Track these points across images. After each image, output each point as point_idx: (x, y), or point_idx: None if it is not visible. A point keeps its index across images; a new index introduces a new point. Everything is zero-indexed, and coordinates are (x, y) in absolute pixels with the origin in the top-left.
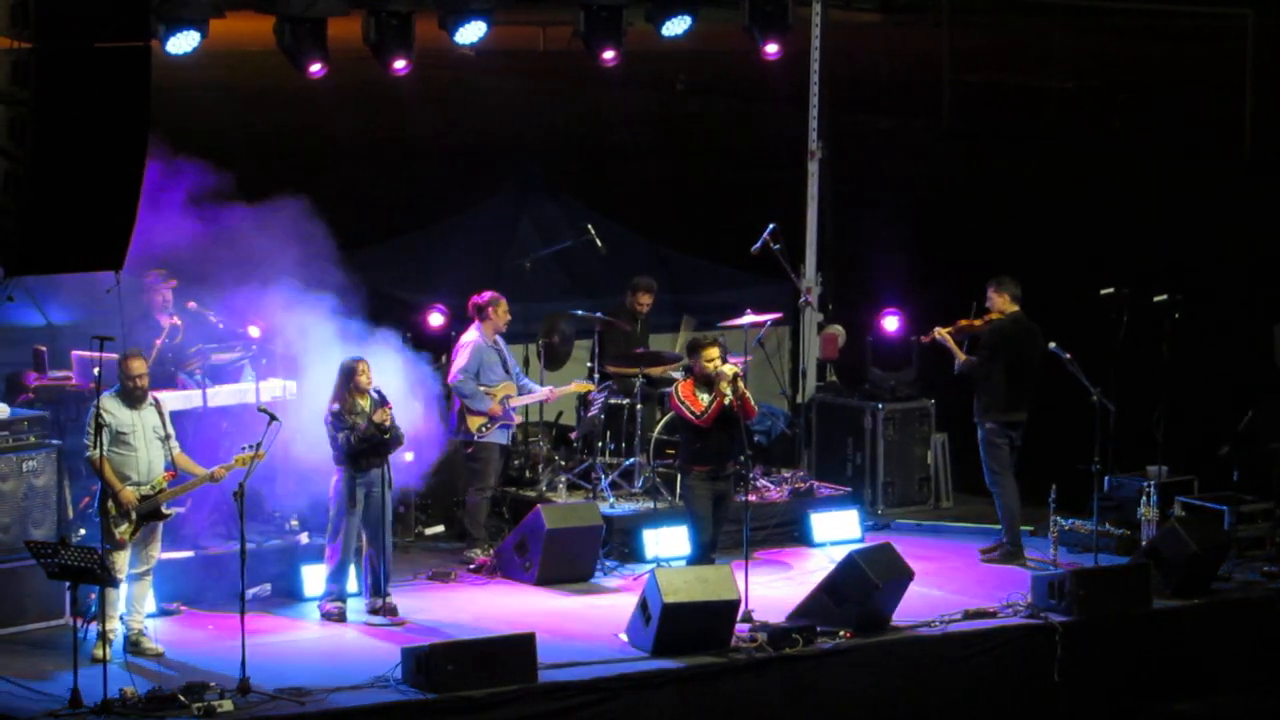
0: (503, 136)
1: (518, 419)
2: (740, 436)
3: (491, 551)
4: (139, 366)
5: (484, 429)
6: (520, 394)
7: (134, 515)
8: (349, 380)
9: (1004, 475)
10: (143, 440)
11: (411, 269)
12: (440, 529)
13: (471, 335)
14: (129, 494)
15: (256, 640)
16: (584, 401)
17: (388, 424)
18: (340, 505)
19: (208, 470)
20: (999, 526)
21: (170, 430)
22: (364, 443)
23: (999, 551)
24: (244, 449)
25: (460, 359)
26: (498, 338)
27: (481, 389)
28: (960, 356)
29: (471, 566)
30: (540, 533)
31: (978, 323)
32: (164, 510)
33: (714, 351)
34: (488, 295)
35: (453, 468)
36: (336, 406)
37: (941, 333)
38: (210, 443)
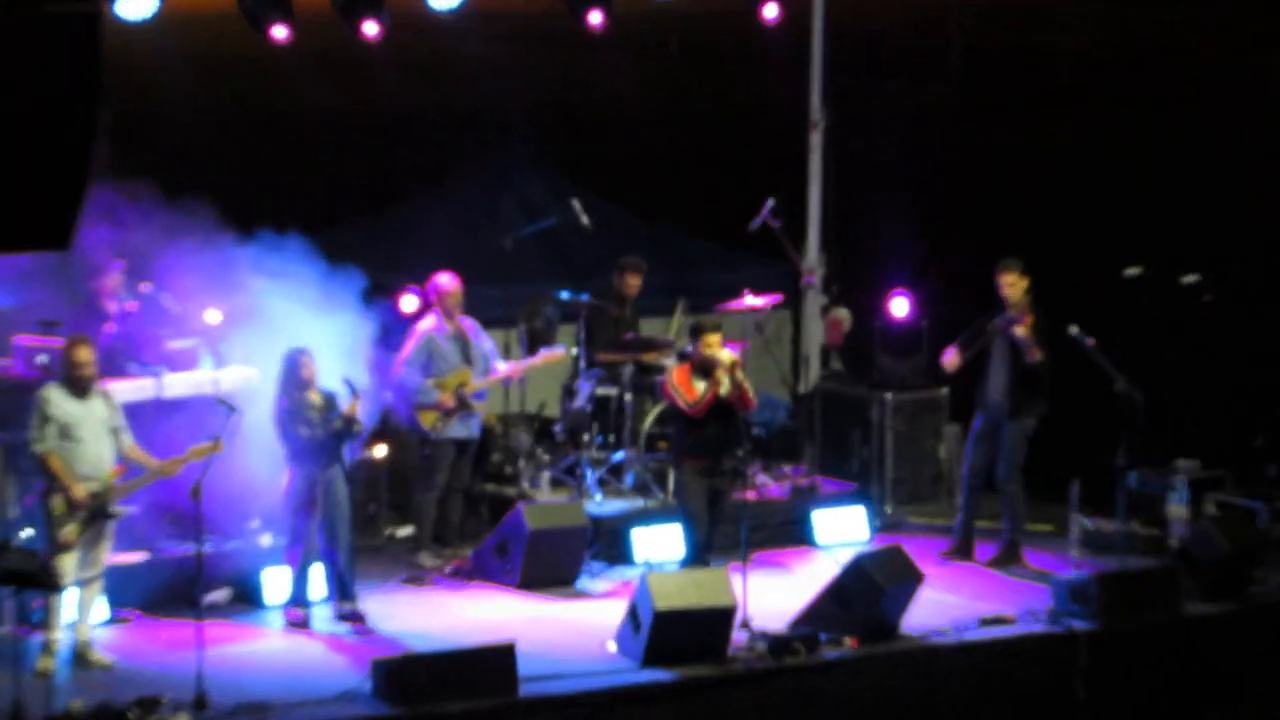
0: (482, 106)
1: (479, 408)
2: (738, 429)
3: (468, 555)
4: (85, 354)
5: (439, 424)
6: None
7: (81, 514)
8: (293, 374)
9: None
10: (91, 433)
11: (383, 249)
12: (412, 530)
13: (426, 323)
14: (81, 489)
15: (214, 650)
16: (569, 391)
17: (358, 417)
18: (296, 506)
19: (161, 465)
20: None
21: (121, 422)
22: (330, 438)
23: (1005, 555)
24: (201, 441)
25: (405, 349)
26: (467, 323)
27: (430, 381)
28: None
29: (448, 570)
30: (522, 533)
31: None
32: (114, 509)
33: (716, 337)
34: (443, 279)
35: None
36: (285, 403)
37: (1024, 330)
38: (165, 436)
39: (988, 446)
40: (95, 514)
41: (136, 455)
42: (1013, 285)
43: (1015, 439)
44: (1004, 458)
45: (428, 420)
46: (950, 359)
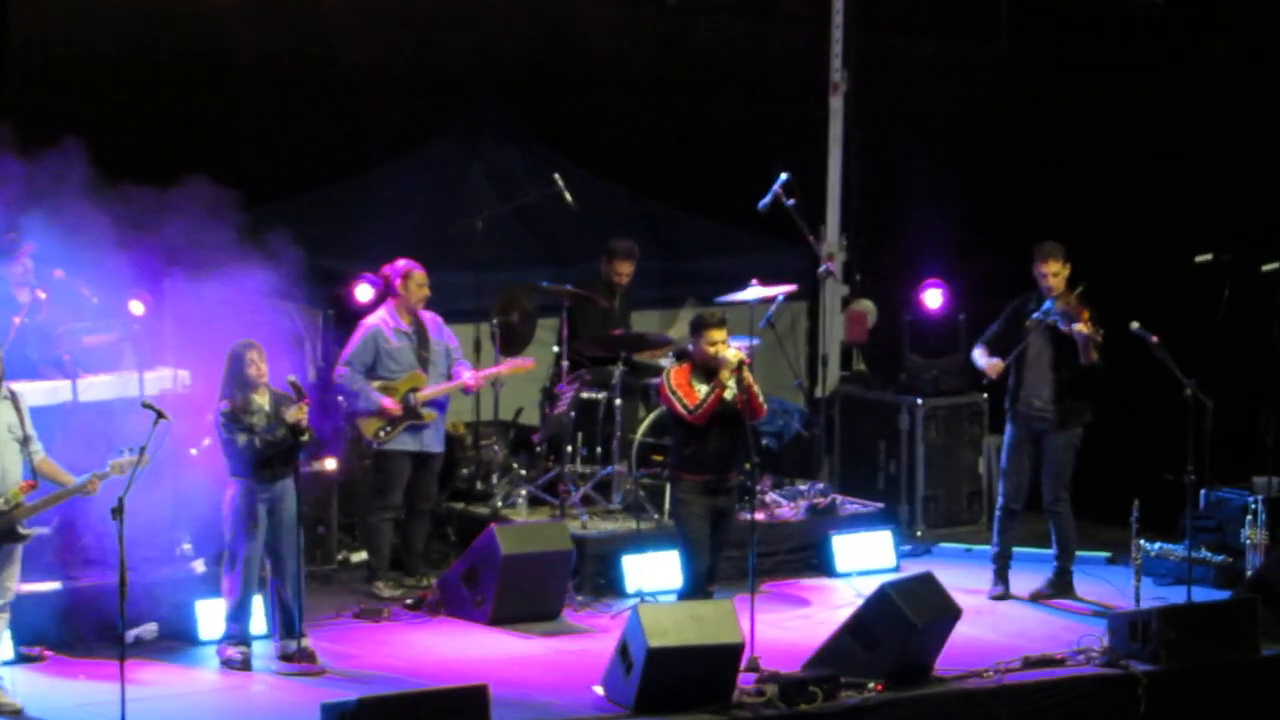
0: (451, 64)
1: (433, 418)
2: (745, 439)
3: (432, 584)
4: None
5: (382, 433)
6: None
7: None
8: (238, 372)
9: None
10: None
11: (336, 229)
12: (367, 555)
13: (376, 316)
14: None
15: (140, 693)
16: (549, 395)
17: (304, 424)
18: (238, 526)
19: (78, 480)
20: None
21: (30, 430)
22: (272, 447)
23: (1053, 586)
24: (122, 452)
25: (349, 346)
26: (428, 318)
27: (377, 383)
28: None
29: (409, 601)
30: (495, 559)
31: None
32: (21, 530)
33: (721, 333)
34: (400, 264)
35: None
36: (226, 405)
37: (1087, 327)
38: (82, 446)
39: (1028, 463)
40: (2, 535)
41: (49, 470)
42: (1058, 274)
43: (1064, 453)
44: (1050, 475)
45: (369, 429)
46: (994, 365)
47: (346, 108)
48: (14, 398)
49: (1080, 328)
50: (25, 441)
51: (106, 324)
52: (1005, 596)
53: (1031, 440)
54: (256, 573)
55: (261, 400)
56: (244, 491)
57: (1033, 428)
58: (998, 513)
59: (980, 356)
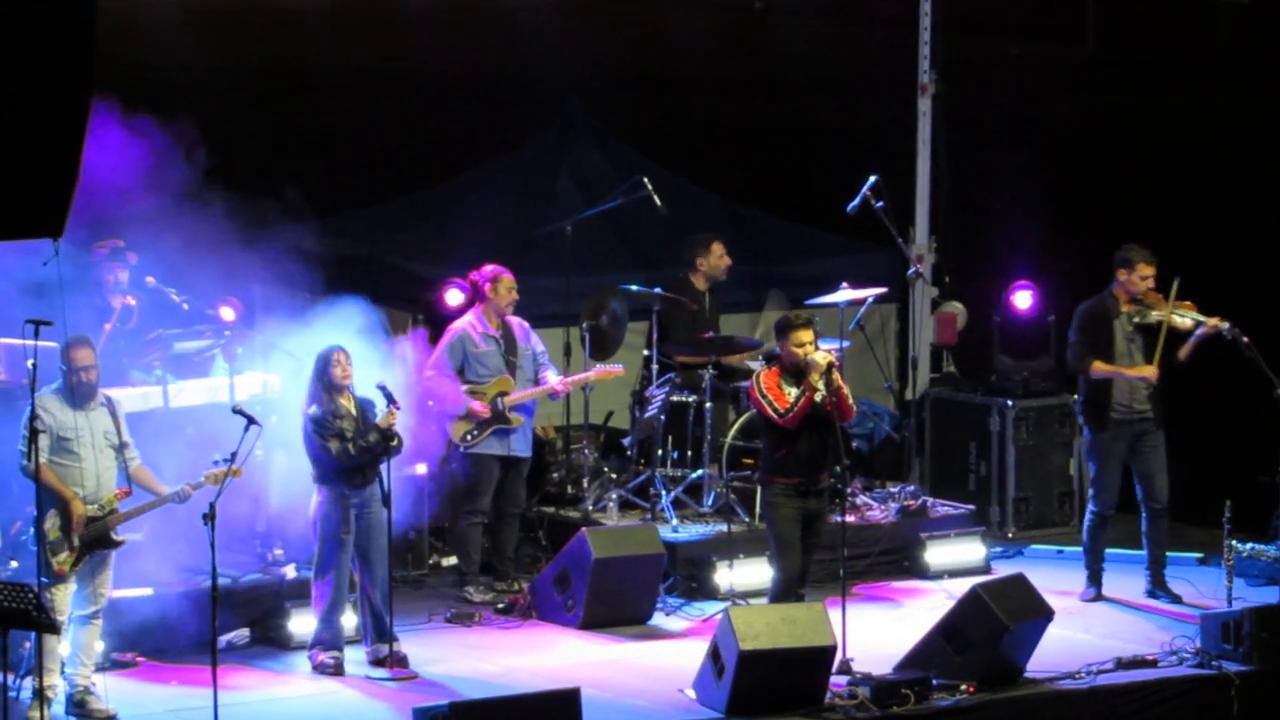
0: (538, 69)
1: (520, 422)
2: (835, 442)
3: (524, 588)
4: (86, 357)
5: (470, 436)
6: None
7: (77, 541)
8: (324, 377)
9: None
10: (90, 448)
11: (425, 235)
12: (458, 560)
13: (464, 320)
14: (81, 507)
15: (232, 698)
16: (639, 399)
17: (395, 429)
18: (327, 533)
19: (172, 490)
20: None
21: (127, 438)
22: (365, 453)
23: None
24: (217, 463)
25: (437, 350)
26: (515, 324)
27: (467, 387)
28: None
29: (500, 606)
30: (586, 563)
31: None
32: (115, 537)
33: (807, 334)
34: (489, 269)
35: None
36: (316, 410)
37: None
38: (173, 452)
39: (1121, 466)
40: (94, 542)
41: (144, 478)
42: (1148, 278)
43: (1162, 451)
44: (1160, 472)
45: (457, 432)
46: (1150, 369)
47: (432, 114)
48: (110, 404)
49: (1213, 323)
50: (121, 448)
51: (197, 330)
52: (1099, 599)
53: (1128, 443)
54: (346, 578)
55: (348, 405)
56: (333, 498)
57: (1134, 429)
58: (1091, 517)
59: (1109, 368)
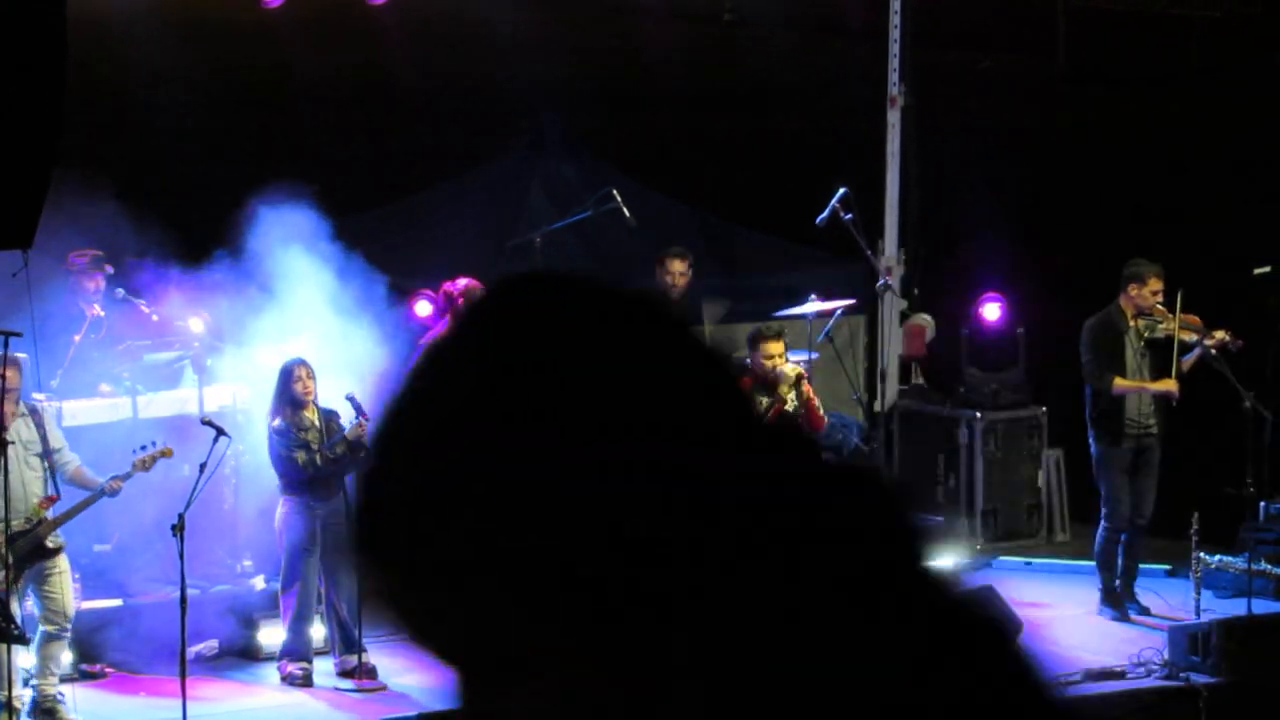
0: (510, 82)
1: None
2: None
3: None
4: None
5: None
6: None
7: (9, 558)
8: (286, 390)
9: None
10: (15, 460)
11: (395, 246)
12: None
13: (433, 334)
14: None
15: (200, 710)
16: None
17: (364, 441)
18: (293, 544)
19: (101, 483)
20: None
21: (59, 443)
22: (333, 464)
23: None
24: (137, 450)
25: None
26: None
27: None
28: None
29: None
30: None
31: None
32: (50, 544)
33: (777, 346)
34: (461, 282)
35: None
36: (279, 422)
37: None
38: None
39: (1135, 478)
40: (28, 556)
41: (82, 478)
42: (1159, 292)
43: (1158, 468)
44: (1152, 489)
45: None
46: (1169, 383)
47: (405, 126)
48: (34, 413)
49: (1218, 336)
50: (50, 455)
51: (167, 341)
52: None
53: (1137, 454)
54: (314, 589)
55: (312, 417)
56: (298, 508)
57: (1141, 443)
58: (1105, 533)
59: (1130, 384)
